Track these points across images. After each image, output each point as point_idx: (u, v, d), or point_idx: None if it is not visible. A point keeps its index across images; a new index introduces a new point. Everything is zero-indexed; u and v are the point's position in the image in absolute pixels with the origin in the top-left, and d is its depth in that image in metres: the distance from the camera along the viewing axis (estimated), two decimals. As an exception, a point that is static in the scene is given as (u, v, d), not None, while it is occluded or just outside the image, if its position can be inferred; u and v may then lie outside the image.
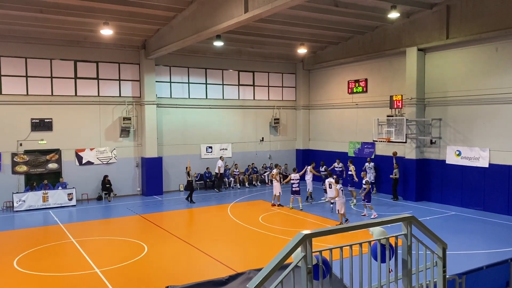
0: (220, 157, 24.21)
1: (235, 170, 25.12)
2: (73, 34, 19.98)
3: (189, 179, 21.07)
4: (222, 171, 23.87)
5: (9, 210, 19.24)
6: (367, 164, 22.11)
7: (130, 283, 10.62)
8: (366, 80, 23.62)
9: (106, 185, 21.51)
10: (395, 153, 20.78)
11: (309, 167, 20.55)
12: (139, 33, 20.54)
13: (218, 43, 20.08)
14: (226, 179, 24.83)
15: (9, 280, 10.74)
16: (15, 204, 19.07)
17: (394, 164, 20.48)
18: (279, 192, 19.35)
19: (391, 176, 20.62)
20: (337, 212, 16.07)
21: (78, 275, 11.00)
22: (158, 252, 12.90)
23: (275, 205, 19.28)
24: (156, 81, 22.93)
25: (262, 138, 26.88)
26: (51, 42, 20.32)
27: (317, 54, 26.11)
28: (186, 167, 21.29)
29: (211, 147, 25.06)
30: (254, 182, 25.50)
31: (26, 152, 20.17)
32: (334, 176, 17.19)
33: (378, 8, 18.13)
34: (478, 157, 18.12)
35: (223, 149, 25.44)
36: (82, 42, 20.90)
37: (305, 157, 27.40)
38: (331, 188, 16.88)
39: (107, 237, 14.82)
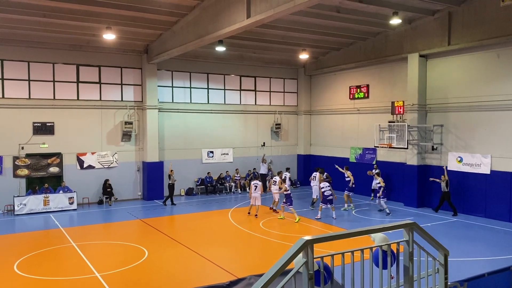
0: (263, 160, 24.99)
1: (236, 175, 25.13)
2: (75, 38, 20.05)
3: (170, 182, 21.23)
4: (264, 172, 24.67)
5: (10, 214, 19.23)
6: (374, 171, 21.24)
7: (130, 288, 10.59)
8: (367, 86, 23.64)
9: (107, 189, 21.51)
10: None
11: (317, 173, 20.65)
12: (141, 38, 20.63)
13: (220, 48, 20.13)
14: (227, 184, 24.86)
15: (9, 284, 10.71)
16: (16, 208, 19.06)
17: (443, 176, 18.40)
18: (278, 199, 19.21)
19: (440, 183, 18.52)
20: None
21: (78, 279, 10.97)
22: (158, 257, 12.87)
23: (273, 209, 19.36)
24: (158, 86, 22.98)
25: (264, 143, 26.88)
26: (53, 46, 20.40)
27: (319, 59, 26.17)
28: (171, 171, 21.65)
29: (212, 152, 25.08)
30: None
31: (28, 155, 20.19)
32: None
33: (380, 14, 18.19)
34: (479, 163, 18.09)
35: (224, 153, 25.48)
36: (85, 46, 20.99)
37: (307, 163, 27.40)
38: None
39: (108, 242, 14.80)
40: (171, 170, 21.45)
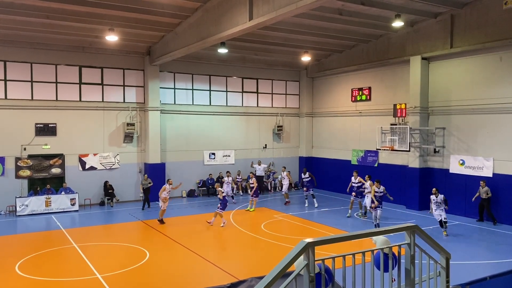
0: (258, 162, 24.86)
1: (237, 177, 25.12)
2: (78, 40, 20.12)
3: (144, 186, 21.00)
4: (260, 173, 24.47)
5: (12, 215, 19.26)
6: (433, 197, 15.69)
7: (131, 289, 10.59)
8: (369, 88, 23.64)
9: (108, 190, 21.53)
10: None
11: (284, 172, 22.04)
12: (144, 40, 20.67)
13: (223, 50, 20.17)
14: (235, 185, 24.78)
15: (11, 285, 10.72)
16: (17, 209, 19.09)
17: (482, 182, 17.37)
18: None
19: (484, 196, 17.32)
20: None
21: (80, 281, 10.98)
22: (159, 258, 12.87)
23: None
24: (160, 87, 23.02)
25: (265, 145, 26.88)
26: (56, 48, 20.46)
27: (321, 62, 26.17)
28: (144, 175, 21.45)
29: (214, 154, 25.09)
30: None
31: (30, 156, 20.22)
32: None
33: (382, 17, 18.19)
34: (482, 166, 18.05)
35: (226, 155, 25.48)
36: (88, 48, 21.05)
37: (308, 165, 27.35)
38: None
39: (109, 243, 14.80)
40: (145, 175, 21.34)
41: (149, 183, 21.10)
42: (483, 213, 17.65)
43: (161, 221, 17.53)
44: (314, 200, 20.95)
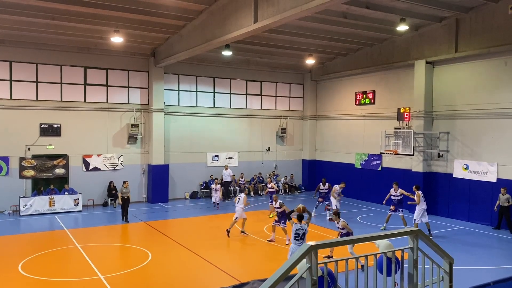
0: (225, 166, 24.44)
1: (240, 179, 25.14)
2: (83, 41, 20.21)
3: (122, 195, 18.34)
4: (226, 179, 24.05)
5: (15, 214, 19.32)
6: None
7: (133, 290, 10.59)
8: (374, 92, 23.61)
9: (112, 191, 21.57)
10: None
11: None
12: (149, 41, 20.74)
13: (227, 53, 20.19)
14: (232, 188, 24.78)
15: (13, 284, 10.75)
16: (21, 208, 19.16)
17: (503, 189, 16.72)
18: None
19: (504, 204, 16.63)
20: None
21: (82, 281, 11.00)
22: (162, 259, 12.87)
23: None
24: (165, 89, 23.07)
25: (269, 147, 26.88)
26: (61, 49, 20.56)
27: (325, 65, 26.18)
28: (124, 182, 18.74)
29: (217, 156, 25.11)
30: (259, 192, 25.45)
31: (34, 156, 20.31)
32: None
33: (387, 21, 18.19)
34: (486, 171, 17.98)
35: (229, 157, 25.50)
36: (93, 49, 21.14)
37: (312, 168, 27.35)
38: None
39: (112, 244, 14.83)
40: (124, 182, 18.68)
41: (129, 191, 18.70)
42: (502, 221, 16.89)
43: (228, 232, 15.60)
44: (328, 212, 19.11)
